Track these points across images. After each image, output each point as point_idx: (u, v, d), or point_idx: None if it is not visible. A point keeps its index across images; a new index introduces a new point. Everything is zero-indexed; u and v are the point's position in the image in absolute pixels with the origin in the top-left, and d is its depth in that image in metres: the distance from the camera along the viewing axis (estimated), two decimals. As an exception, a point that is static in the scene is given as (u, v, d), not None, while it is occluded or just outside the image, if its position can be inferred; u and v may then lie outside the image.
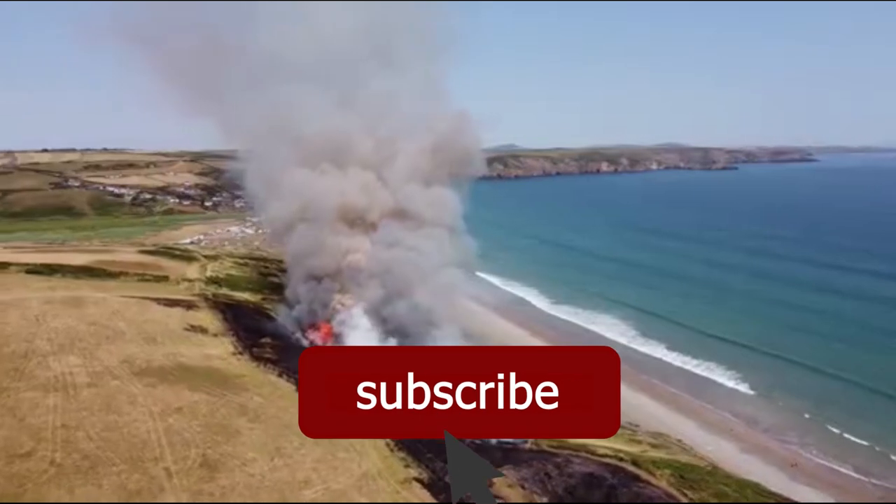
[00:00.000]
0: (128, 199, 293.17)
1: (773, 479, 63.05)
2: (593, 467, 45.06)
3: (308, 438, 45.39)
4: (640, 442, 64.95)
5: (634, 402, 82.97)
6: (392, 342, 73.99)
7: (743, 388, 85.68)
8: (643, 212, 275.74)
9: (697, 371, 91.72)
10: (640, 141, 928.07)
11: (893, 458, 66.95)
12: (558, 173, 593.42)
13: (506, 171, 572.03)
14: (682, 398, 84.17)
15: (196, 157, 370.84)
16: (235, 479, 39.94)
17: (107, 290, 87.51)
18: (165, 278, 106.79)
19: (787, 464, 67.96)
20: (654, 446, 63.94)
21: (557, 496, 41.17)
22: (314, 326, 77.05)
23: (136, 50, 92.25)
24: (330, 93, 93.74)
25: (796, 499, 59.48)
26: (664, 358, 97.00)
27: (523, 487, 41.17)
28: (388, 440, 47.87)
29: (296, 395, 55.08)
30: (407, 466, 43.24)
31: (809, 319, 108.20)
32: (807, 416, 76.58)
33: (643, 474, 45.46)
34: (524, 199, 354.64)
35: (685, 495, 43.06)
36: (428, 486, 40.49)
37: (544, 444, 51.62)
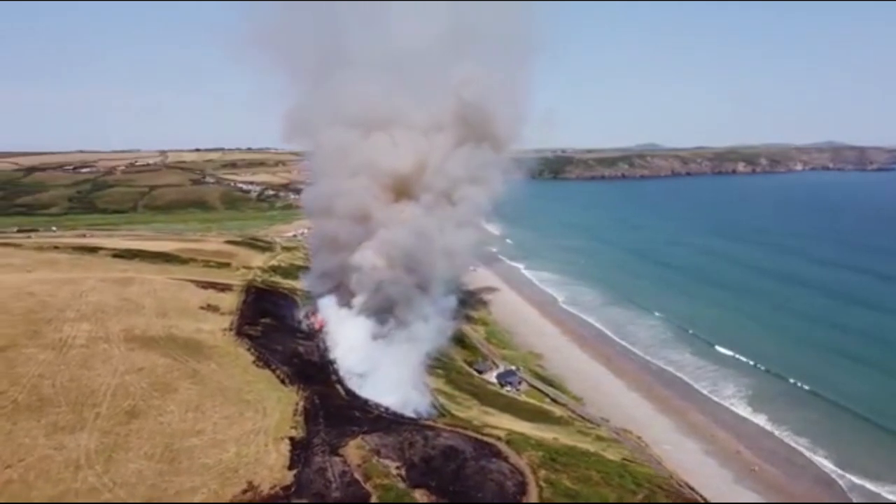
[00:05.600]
0: (253, 195, 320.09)
1: (715, 480, 63.93)
2: (459, 441, 49.13)
3: (229, 399, 53.53)
4: (587, 434, 67.36)
5: (623, 400, 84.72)
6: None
7: (739, 401, 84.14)
8: (751, 216, 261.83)
9: (703, 382, 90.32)
10: (789, 140, 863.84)
11: (842, 483, 64.78)
12: (688, 173, 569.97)
13: (631, 170, 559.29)
14: (673, 402, 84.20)
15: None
16: (144, 425, 48.27)
17: (165, 273, 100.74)
18: (228, 265, 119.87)
19: (747, 468, 67.46)
20: (599, 438, 66.12)
21: (410, 462, 45.81)
22: (313, 313, 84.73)
23: (268, 53, 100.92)
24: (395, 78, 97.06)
25: (729, 498, 60.16)
26: (676, 366, 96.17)
27: (378, 453, 46.16)
28: (298, 406, 54.77)
29: (251, 366, 63.48)
30: (293, 427, 49.72)
31: (855, 347, 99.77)
32: (788, 434, 74.61)
33: (507, 452, 48.93)
34: (631, 201, 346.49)
35: (534, 473, 46.14)
36: (295, 442, 46.73)
37: (442, 421, 56.34)
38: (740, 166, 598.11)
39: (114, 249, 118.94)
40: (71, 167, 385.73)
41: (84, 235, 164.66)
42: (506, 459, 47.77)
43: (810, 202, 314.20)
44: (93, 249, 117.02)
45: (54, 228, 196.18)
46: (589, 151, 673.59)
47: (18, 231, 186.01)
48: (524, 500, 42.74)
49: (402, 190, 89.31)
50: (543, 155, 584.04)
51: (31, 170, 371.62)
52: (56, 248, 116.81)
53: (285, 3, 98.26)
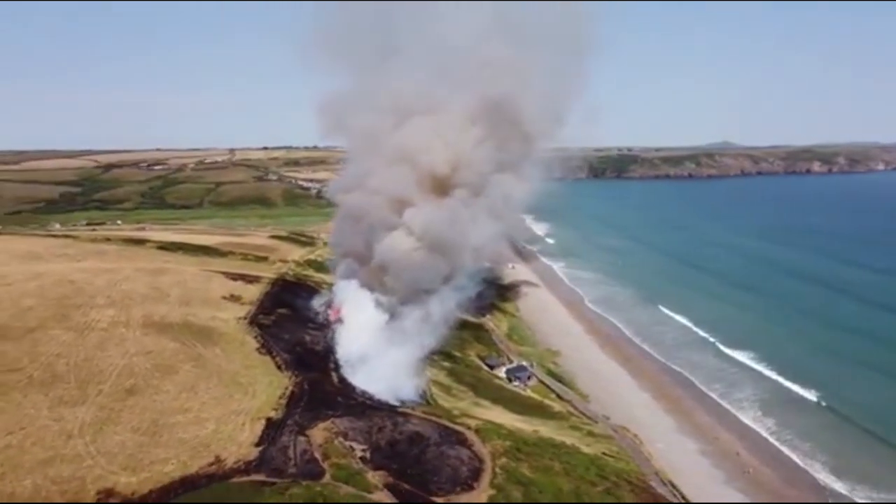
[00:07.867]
0: (313, 192, 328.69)
1: (704, 480, 64.14)
2: (427, 428, 51.23)
3: (223, 381, 57.24)
4: (579, 429, 68.29)
5: (632, 399, 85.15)
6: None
7: (750, 405, 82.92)
8: (805, 217, 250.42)
9: (717, 385, 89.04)
10: (875, 138, 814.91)
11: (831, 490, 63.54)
12: (759, 173, 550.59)
13: (698, 169, 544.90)
14: (682, 403, 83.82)
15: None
16: (138, 402, 52.41)
17: (201, 265, 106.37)
18: (265, 259, 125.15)
19: (741, 470, 66.99)
20: (589, 434, 66.95)
21: (376, 445, 48.23)
22: (330, 304, 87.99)
23: (329, 53, 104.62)
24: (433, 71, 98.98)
25: (714, 498, 60.27)
26: (694, 368, 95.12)
27: (345, 436, 48.77)
28: (287, 391, 57.96)
29: (253, 353, 67.17)
30: (274, 409, 52.91)
31: (882, 358, 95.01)
32: (790, 440, 73.29)
33: (473, 440, 50.72)
34: (688, 201, 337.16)
35: (494, 461, 47.83)
36: (269, 422, 49.87)
37: (420, 409, 58.52)
38: (815, 166, 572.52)
39: (159, 242, 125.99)
40: (146, 164, 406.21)
41: (143, 228, 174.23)
42: (469, 447, 49.66)
43: (875, 203, 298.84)
44: (140, 242, 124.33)
45: (119, 222, 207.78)
46: (658, 150, 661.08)
47: (87, 224, 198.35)
48: (475, 485, 44.51)
49: (438, 185, 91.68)
50: (608, 153, 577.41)
51: (109, 167, 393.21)
52: (108, 240, 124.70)
53: (344, 3, 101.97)
